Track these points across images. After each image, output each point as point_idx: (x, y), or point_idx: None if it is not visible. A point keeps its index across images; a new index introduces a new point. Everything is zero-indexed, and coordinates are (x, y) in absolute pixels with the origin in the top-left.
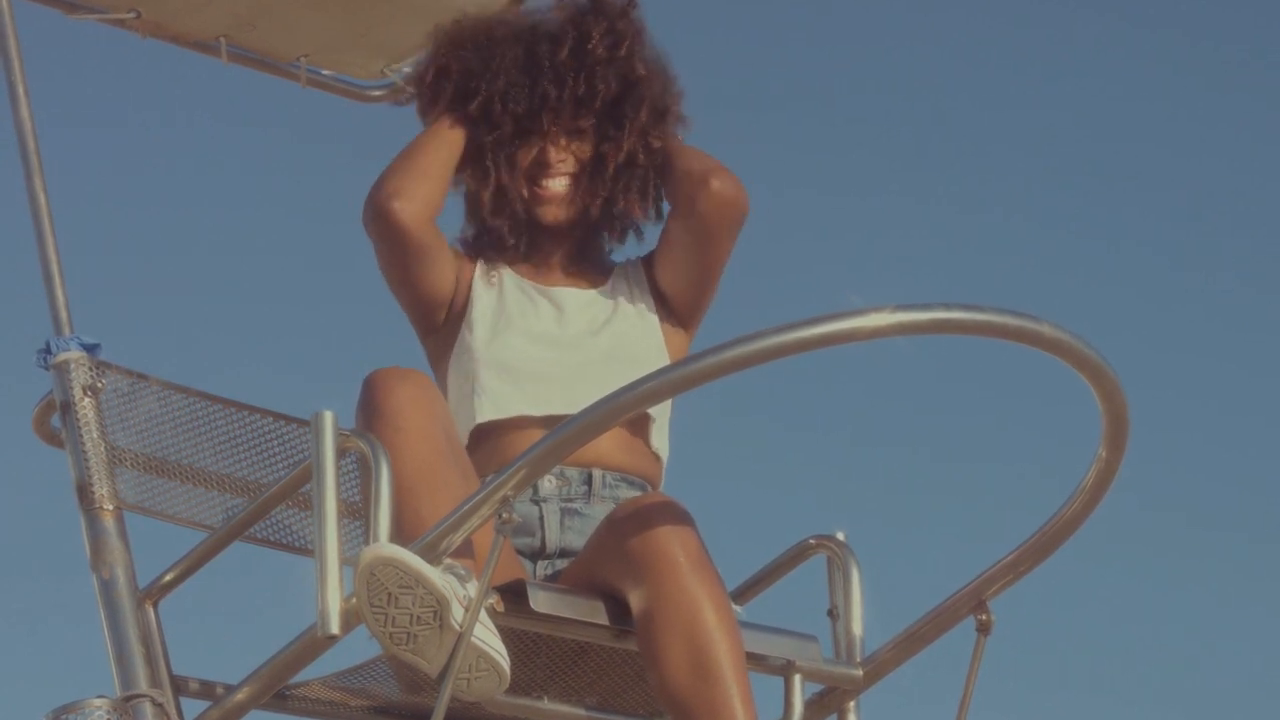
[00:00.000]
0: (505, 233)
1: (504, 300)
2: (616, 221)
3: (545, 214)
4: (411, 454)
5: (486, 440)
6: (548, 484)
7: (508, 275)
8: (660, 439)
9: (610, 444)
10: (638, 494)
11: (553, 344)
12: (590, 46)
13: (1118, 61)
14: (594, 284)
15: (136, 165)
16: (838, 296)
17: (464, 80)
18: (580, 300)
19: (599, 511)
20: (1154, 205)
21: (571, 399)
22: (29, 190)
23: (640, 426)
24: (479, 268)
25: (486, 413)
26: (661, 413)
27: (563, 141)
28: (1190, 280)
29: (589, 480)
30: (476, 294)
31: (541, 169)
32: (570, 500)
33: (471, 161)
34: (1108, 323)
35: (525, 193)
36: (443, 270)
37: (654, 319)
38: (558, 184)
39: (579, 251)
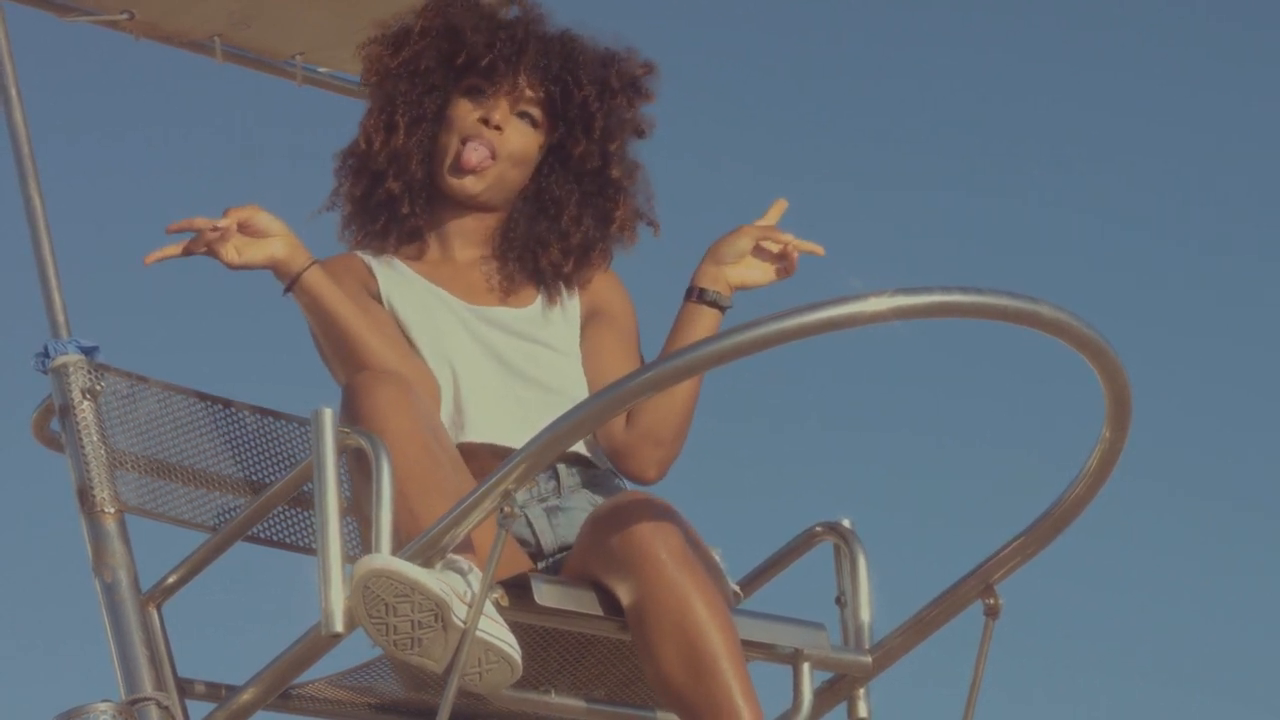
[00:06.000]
0: (400, 198)
1: (430, 313)
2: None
3: (466, 183)
4: (399, 455)
5: None
6: (519, 492)
7: (432, 287)
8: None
9: None
10: (603, 474)
11: (495, 367)
12: (602, 76)
13: (1119, 44)
14: (523, 299)
15: (132, 166)
16: (839, 283)
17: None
18: (511, 321)
19: (579, 501)
20: (1154, 186)
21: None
22: (24, 194)
23: None
24: (374, 267)
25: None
26: None
27: (513, 117)
28: (1193, 259)
29: (555, 476)
30: (401, 313)
31: (482, 128)
32: (544, 499)
33: (402, 107)
34: (1116, 310)
35: (451, 146)
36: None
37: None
38: (490, 148)
39: (504, 257)
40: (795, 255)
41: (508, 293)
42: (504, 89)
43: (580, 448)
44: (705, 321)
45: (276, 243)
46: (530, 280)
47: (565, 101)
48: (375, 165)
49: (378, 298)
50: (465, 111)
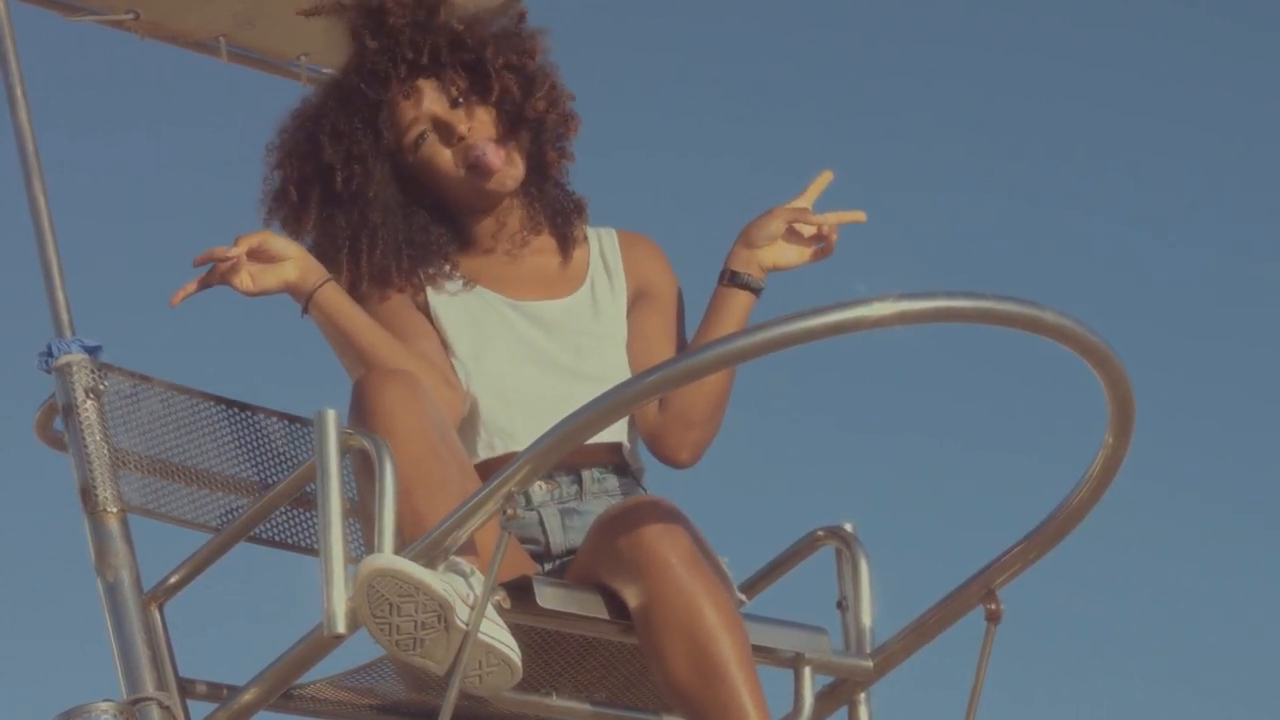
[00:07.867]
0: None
1: (474, 318)
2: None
3: (508, 176)
4: (405, 454)
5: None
6: (539, 490)
7: (476, 289)
8: (632, 428)
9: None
10: (629, 481)
11: (538, 371)
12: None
13: (1124, 44)
14: (571, 283)
15: (136, 165)
16: (844, 287)
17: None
18: (557, 315)
19: (596, 506)
20: (1157, 186)
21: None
22: (28, 193)
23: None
24: (423, 276)
25: (483, 452)
26: None
27: (460, 112)
28: (1194, 259)
29: (579, 479)
30: (444, 319)
31: (464, 142)
32: (564, 501)
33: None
34: (1117, 311)
35: (462, 172)
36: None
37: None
38: (491, 147)
39: (548, 246)
40: (833, 236)
41: (556, 281)
42: (429, 109)
43: (619, 435)
44: (739, 304)
45: (289, 266)
46: (565, 237)
47: (466, 72)
48: (364, 288)
49: (424, 307)
50: (434, 150)
